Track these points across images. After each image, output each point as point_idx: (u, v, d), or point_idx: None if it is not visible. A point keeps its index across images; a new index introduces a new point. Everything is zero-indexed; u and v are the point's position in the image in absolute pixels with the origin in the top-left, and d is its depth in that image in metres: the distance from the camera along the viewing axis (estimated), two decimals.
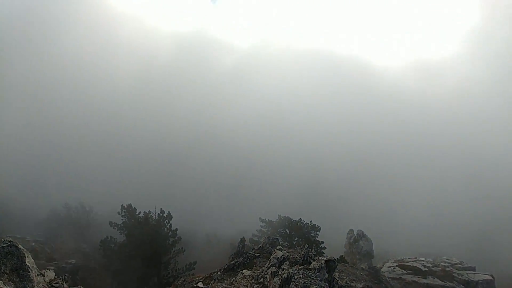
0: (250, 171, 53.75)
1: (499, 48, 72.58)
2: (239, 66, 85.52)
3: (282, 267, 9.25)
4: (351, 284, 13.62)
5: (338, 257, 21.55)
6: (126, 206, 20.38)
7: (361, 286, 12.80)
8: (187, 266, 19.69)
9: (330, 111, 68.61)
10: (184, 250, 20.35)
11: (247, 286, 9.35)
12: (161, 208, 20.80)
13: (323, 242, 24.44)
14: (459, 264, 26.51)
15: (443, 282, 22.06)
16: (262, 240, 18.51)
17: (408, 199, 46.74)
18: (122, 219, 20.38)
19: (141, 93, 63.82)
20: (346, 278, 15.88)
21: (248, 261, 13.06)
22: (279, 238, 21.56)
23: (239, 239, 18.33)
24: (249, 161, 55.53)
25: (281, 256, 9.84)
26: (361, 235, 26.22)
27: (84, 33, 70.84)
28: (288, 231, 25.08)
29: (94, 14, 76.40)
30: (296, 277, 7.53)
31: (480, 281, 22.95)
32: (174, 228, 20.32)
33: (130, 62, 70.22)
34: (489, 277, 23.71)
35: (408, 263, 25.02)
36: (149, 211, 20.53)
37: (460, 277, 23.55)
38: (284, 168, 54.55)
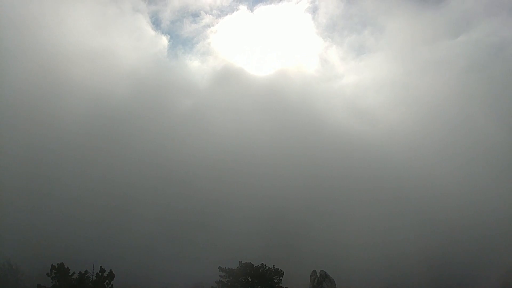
0: (207, 216, 51.02)
1: (421, 95, 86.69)
2: (196, 107, 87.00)
3: None
4: None
5: None
6: (56, 266, 17.26)
7: None
8: None
9: (285, 148, 71.99)
10: None
11: None
12: (100, 266, 18.22)
13: None
14: None
15: None
16: None
17: (366, 234, 48.40)
18: (52, 282, 17.04)
19: (91, 135, 59.62)
20: None
21: None
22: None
23: None
24: (206, 204, 53.14)
25: None
26: (324, 276, 25.75)
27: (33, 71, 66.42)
28: (250, 279, 23.48)
29: (44, 51, 72.89)
30: None
31: None
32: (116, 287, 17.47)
33: (81, 103, 66.52)
34: None
35: None
36: (86, 271, 17.69)
37: None
38: (244, 209, 53.22)
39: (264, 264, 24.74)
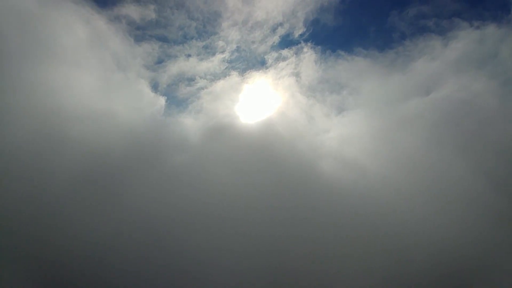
0: (202, 267, 48.59)
1: (398, 146, 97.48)
2: (191, 162, 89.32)
3: None
4: None
5: None
6: None
7: None
8: None
9: (276, 197, 73.05)
10: None
11: None
12: None
13: None
14: None
15: None
16: None
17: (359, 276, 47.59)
18: None
19: (86, 189, 59.35)
20: None
21: None
22: None
23: None
24: (199, 253, 51.08)
25: None
26: None
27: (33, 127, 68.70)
28: None
29: (48, 110, 75.94)
30: None
31: None
32: None
33: (80, 159, 67.83)
34: None
35: None
36: None
37: None
38: (238, 261, 51.29)
39: None
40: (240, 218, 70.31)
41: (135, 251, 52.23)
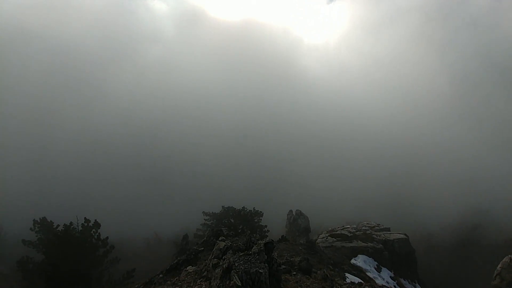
0: (184, 164, 52.45)
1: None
2: (164, 57, 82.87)
3: (224, 257, 9.51)
4: (291, 259, 14.87)
5: (280, 237, 23.16)
6: (39, 220, 17.46)
7: (299, 259, 14.12)
8: (125, 275, 18.15)
9: (256, 94, 73.11)
10: (119, 259, 18.72)
11: (190, 283, 9.24)
12: (85, 217, 18.26)
13: (266, 226, 25.92)
14: (377, 226, 31.61)
15: (365, 244, 26.16)
16: (206, 233, 18.53)
17: (335, 178, 53.68)
18: (37, 236, 17.48)
19: (58, 87, 54.89)
20: (286, 254, 17.26)
21: (192, 257, 12.89)
22: (223, 228, 21.83)
23: (182, 237, 17.83)
24: (184, 150, 54.17)
25: (224, 246, 10.01)
26: (299, 214, 28.59)
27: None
28: (232, 221, 25.66)
29: None
30: (237, 264, 7.82)
31: (395, 240, 26.48)
32: (104, 237, 18.28)
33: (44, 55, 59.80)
34: (403, 236, 27.40)
35: (337, 232, 28.57)
36: (71, 222, 17.91)
37: (378, 237, 28.19)
38: (226, 160, 55.26)
39: (245, 207, 26.91)
40: (220, 116, 70.52)
41: (114, 142, 53.39)
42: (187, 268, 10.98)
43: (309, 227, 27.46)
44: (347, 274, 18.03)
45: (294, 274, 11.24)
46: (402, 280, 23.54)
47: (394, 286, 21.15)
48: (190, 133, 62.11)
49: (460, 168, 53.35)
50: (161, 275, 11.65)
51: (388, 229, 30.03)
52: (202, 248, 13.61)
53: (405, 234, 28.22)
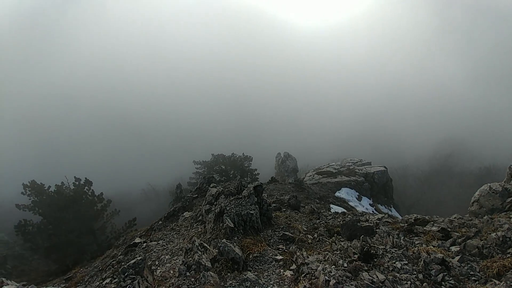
0: (179, 121, 52.05)
1: None
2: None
3: (216, 202, 10.00)
4: (281, 197, 16.02)
5: (270, 178, 24.48)
6: (29, 184, 17.34)
7: (288, 197, 15.22)
8: (127, 224, 19.08)
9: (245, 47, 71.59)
10: (119, 211, 19.58)
11: (187, 227, 9.94)
12: (74, 176, 18.30)
13: (256, 169, 27.11)
14: (359, 161, 33.87)
15: (348, 178, 28.33)
16: (199, 181, 19.24)
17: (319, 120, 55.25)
18: (29, 199, 17.60)
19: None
20: (276, 194, 18.52)
21: (187, 203, 13.56)
22: (215, 175, 22.68)
23: (176, 186, 18.46)
24: (175, 111, 53.49)
25: (215, 192, 10.46)
26: (287, 156, 29.81)
27: None
28: (223, 167, 26.59)
29: None
30: (228, 208, 8.29)
31: (375, 172, 29.02)
32: (99, 193, 18.81)
33: None
34: (382, 168, 30.13)
35: (323, 169, 30.53)
36: (62, 182, 17.93)
37: (360, 171, 30.45)
38: (213, 110, 54.65)
39: (234, 153, 27.59)
40: (205, 70, 67.51)
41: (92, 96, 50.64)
42: (184, 214, 11.65)
43: (297, 167, 28.93)
44: (331, 206, 19.83)
45: (283, 211, 12.20)
46: (379, 206, 26.36)
47: (372, 211, 23.72)
48: (179, 89, 60.20)
49: (435, 100, 55.28)
50: (160, 222, 12.34)
51: (369, 163, 32.20)
52: (196, 195, 14.21)
53: (384, 167, 30.48)
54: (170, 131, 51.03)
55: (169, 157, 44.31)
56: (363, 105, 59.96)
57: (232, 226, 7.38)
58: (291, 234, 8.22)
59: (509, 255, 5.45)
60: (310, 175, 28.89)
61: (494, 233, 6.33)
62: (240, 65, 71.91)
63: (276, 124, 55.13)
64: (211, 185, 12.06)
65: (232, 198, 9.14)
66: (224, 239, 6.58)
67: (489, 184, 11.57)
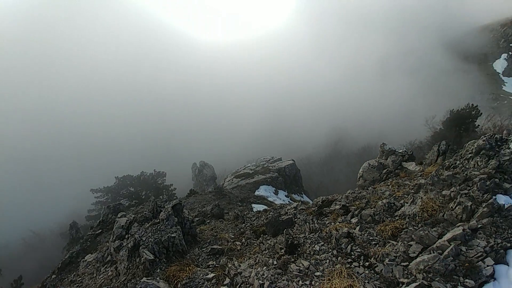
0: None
1: None
2: None
3: (128, 234, 8.63)
4: (203, 209, 15.40)
5: (189, 191, 23.27)
6: None
7: (210, 207, 14.77)
8: (14, 286, 14.68)
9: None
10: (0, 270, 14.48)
11: (93, 274, 8.10)
12: None
13: (172, 184, 25.24)
14: (271, 158, 36.59)
15: (264, 176, 30.11)
16: (102, 212, 16.30)
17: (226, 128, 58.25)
18: None
19: None
20: (198, 206, 17.73)
21: (88, 244, 11.24)
22: (122, 201, 19.83)
23: (69, 225, 15.14)
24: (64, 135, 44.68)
25: (126, 222, 9.02)
26: (204, 165, 29.17)
27: None
28: (132, 189, 23.49)
29: None
30: (144, 238, 7.23)
31: (286, 166, 31.13)
32: None
33: None
34: (291, 162, 32.72)
35: (240, 172, 31.35)
36: None
37: (273, 168, 32.87)
38: (112, 129, 48.38)
39: (144, 171, 24.83)
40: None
41: None
42: (85, 258, 9.54)
43: (215, 174, 28.67)
44: (253, 205, 20.55)
45: (208, 222, 11.74)
46: (293, 195, 29.18)
47: (288, 201, 26.02)
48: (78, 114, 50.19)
49: (320, 96, 66.33)
50: (54, 276, 9.80)
51: (280, 159, 35.20)
52: (100, 230, 11.99)
53: (292, 160, 33.99)
54: (53, 158, 41.59)
55: (55, 191, 35.82)
56: (269, 106, 66.08)
57: (152, 257, 6.46)
58: (219, 246, 7.91)
59: (397, 218, 6.81)
60: (229, 180, 29.16)
61: (380, 201, 7.86)
62: (141, 78, 66.90)
63: (187, 134, 53.70)
64: (118, 215, 10.39)
65: (148, 225, 8.07)
66: (144, 277, 5.65)
67: (367, 161, 14.43)
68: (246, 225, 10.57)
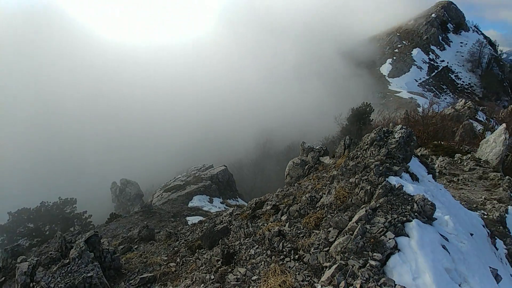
0: None
1: None
2: None
3: (33, 281, 6.97)
4: (129, 234, 13.76)
5: (109, 215, 20.50)
6: None
7: (137, 230, 13.33)
8: None
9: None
10: None
11: None
12: None
13: (86, 211, 21.72)
14: (203, 166, 35.68)
15: (196, 185, 29.12)
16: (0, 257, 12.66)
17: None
18: None
19: None
20: (122, 231, 15.76)
21: None
22: (21, 241, 16.07)
23: None
24: None
25: (29, 267, 7.26)
26: (126, 183, 26.18)
27: None
28: (31, 225, 19.08)
29: None
30: (53, 285, 5.93)
31: (218, 172, 30.71)
32: None
33: None
34: (223, 167, 32.70)
35: (170, 185, 29.55)
36: None
37: (205, 176, 32.12)
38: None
39: (46, 201, 20.55)
40: None
41: None
42: None
43: (141, 191, 26.21)
44: (188, 218, 19.61)
45: (136, 248, 10.57)
46: (228, 201, 29.21)
47: (224, 207, 25.91)
48: None
49: (246, 101, 69.13)
50: None
51: (212, 166, 34.71)
52: (3, 278, 9.52)
53: (224, 165, 34.01)
54: None
55: None
56: (198, 114, 64.64)
57: None
58: (150, 274, 7.20)
59: (318, 209, 7.55)
60: (158, 195, 27.07)
61: (304, 196, 8.61)
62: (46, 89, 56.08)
63: (102, 154, 47.42)
64: (18, 259, 8.35)
65: (55, 268, 6.70)
66: None
67: (292, 159, 15.70)
68: (181, 243, 9.97)
